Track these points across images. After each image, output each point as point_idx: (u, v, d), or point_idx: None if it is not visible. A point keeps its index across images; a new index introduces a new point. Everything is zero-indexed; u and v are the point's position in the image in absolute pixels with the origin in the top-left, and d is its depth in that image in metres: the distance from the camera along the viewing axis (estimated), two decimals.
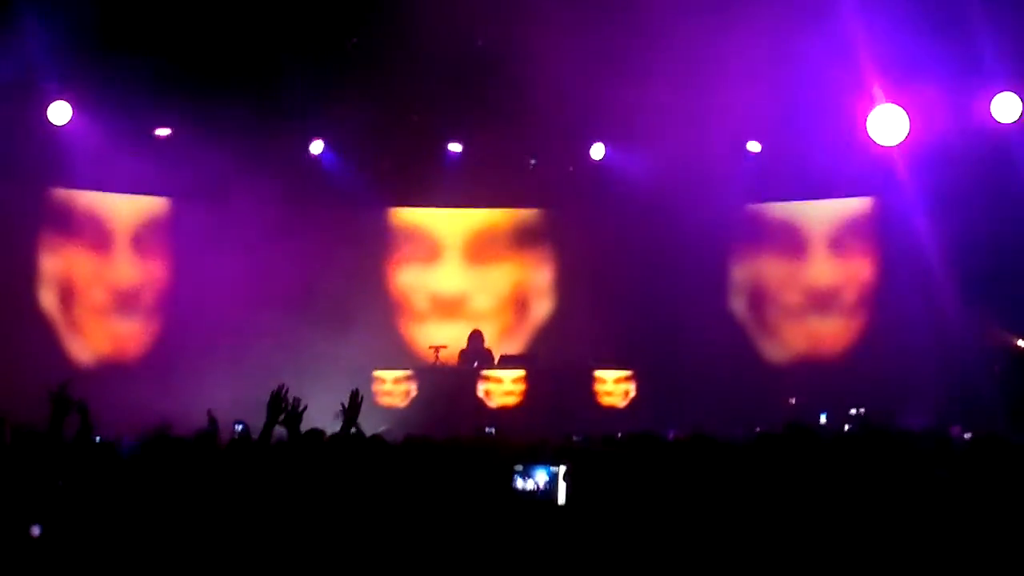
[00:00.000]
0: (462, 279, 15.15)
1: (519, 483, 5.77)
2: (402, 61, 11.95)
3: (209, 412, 6.15)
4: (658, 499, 5.52)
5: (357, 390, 5.83)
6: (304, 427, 5.88)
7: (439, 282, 15.10)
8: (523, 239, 15.13)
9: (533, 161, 14.35)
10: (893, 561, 5.05)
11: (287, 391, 5.64)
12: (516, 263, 15.17)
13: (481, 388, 12.80)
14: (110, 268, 14.21)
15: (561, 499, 5.70)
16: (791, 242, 14.48)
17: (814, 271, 14.41)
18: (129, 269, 14.29)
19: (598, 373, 12.87)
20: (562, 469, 5.74)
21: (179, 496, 5.30)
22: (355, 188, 14.13)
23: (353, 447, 5.98)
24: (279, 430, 5.70)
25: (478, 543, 5.39)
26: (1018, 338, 11.72)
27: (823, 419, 11.90)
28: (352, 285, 14.02)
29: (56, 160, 13.12)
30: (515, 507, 5.72)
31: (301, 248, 13.79)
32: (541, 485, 5.74)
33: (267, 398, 5.62)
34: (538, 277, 15.12)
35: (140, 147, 13.18)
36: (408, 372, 12.97)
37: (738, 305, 14.56)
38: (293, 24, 11.94)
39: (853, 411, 12.00)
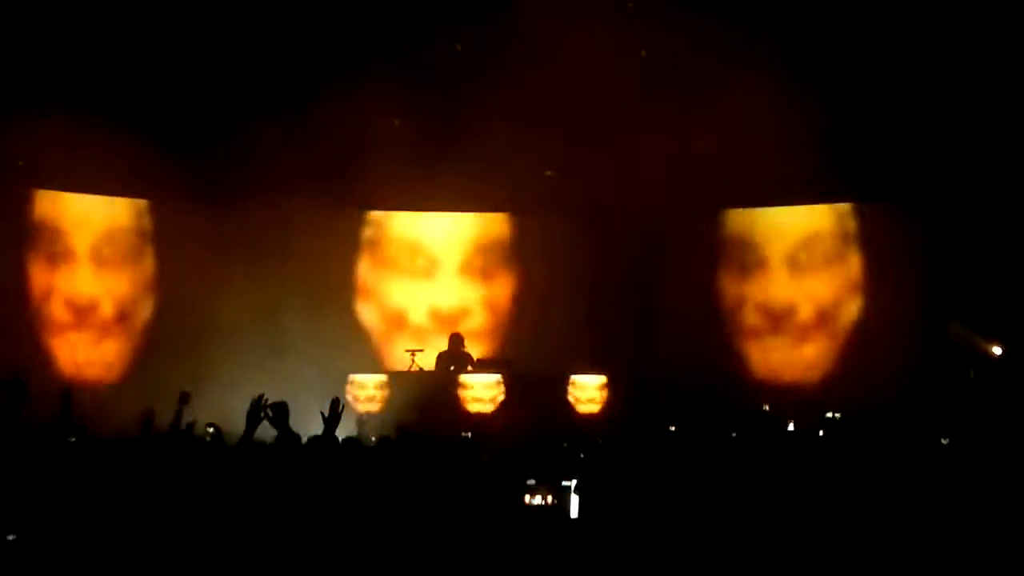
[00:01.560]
0: (443, 284, 15.12)
1: (530, 498, 5.76)
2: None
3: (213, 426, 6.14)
4: (670, 505, 5.55)
5: (338, 398, 5.91)
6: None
7: (419, 287, 15.05)
8: (501, 245, 15.11)
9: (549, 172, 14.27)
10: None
11: (266, 400, 5.72)
12: (497, 269, 15.14)
13: (457, 393, 12.71)
14: (73, 278, 13.72)
15: (573, 513, 5.70)
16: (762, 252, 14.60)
17: (777, 283, 14.55)
18: (93, 279, 13.83)
19: (574, 378, 12.84)
20: (573, 483, 5.74)
21: (156, 491, 5.28)
22: (330, 189, 13.97)
23: (358, 453, 6.00)
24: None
25: (491, 559, 5.37)
26: (990, 344, 11.88)
27: (791, 427, 11.93)
28: (329, 289, 13.98)
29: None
30: (527, 522, 5.70)
31: (275, 250, 13.72)
32: (552, 500, 5.73)
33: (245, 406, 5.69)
34: (517, 284, 15.10)
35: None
36: (383, 377, 12.86)
37: (712, 313, 14.64)
38: None
39: (829, 414, 12.06)
